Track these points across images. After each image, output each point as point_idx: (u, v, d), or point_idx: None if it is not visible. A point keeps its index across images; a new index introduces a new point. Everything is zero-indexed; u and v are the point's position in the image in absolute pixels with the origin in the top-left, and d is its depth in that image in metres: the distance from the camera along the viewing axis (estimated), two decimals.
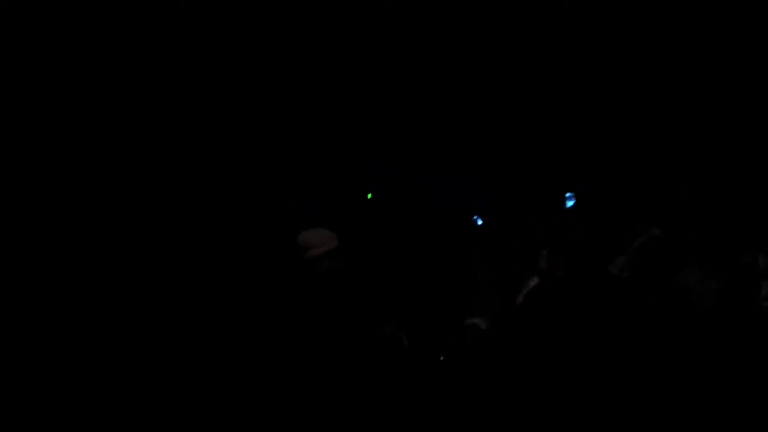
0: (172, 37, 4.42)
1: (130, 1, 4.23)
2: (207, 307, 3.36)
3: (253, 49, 4.69)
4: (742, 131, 4.47)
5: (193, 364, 3.13)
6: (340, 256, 2.87)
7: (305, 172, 5.39)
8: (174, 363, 3.31)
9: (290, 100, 5.10)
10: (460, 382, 3.39)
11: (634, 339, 3.22)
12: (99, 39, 4.26)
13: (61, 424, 3.22)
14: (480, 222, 5.67)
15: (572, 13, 4.45)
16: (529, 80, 4.95)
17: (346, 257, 3.13)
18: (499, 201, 5.62)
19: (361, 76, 5.02)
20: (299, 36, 4.65)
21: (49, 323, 3.58)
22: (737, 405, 2.97)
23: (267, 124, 5.17)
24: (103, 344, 3.56)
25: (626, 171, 4.99)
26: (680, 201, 4.67)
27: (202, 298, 3.57)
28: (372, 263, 4.83)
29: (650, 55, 4.55)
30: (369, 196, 5.73)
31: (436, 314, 4.18)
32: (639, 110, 4.81)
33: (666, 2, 4.27)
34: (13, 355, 3.42)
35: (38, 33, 4.09)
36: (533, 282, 2.98)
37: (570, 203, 5.38)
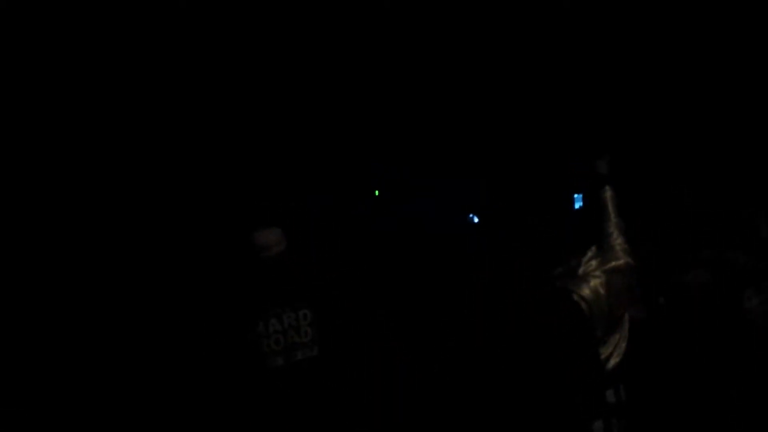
0: (172, 37, 4.42)
1: (130, 1, 4.23)
2: (203, 306, 3.37)
3: (253, 50, 4.69)
4: (742, 131, 4.47)
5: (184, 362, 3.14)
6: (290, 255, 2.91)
7: (305, 172, 5.39)
8: (166, 360, 3.33)
9: (290, 100, 5.10)
10: (459, 384, 3.39)
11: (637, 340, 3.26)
12: (99, 39, 4.26)
13: (60, 424, 3.23)
14: (476, 220, 5.65)
15: (572, 13, 4.45)
16: (530, 80, 4.95)
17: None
18: (499, 201, 5.62)
19: (361, 76, 5.02)
20: (299, 36, 4.65)
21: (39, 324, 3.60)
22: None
23: (267, 124, 5.17)
24: (94, 340, 3.57)
25: (626, 171, 4.98)
26: (680, 201, 4.67)
27: (199, 297, 3.58)
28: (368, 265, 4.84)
29: (650, 55, 4.54)
30: (377, 192, 5.72)
31: (435, 315, 4.18)
32: (639, 110, 4.81)
33: (666, 2, 4.26)
34: (13, 356, 3.42)
35: (38, 33, 4.09)
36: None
37: (578, 204, 5.37)
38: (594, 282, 2.56)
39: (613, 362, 2.59)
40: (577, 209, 5.22)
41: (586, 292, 2.53)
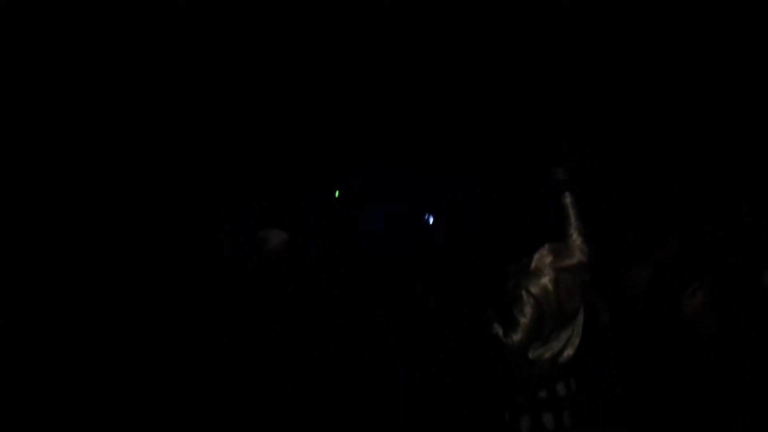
0: (172, 37, 4.42)
1: (130, 1, 4.23)
2: (202, 307, 3.38)
3: (253, 50, 4.69)
4: (742, 131, 4.47)
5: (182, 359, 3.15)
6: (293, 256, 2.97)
7: (305, 172, 5.40)
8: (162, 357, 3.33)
9: (290, 102, 5.11)
10: (459, 384, 3.40)
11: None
12: (99, 39, 4.26)
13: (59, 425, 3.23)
14: (431, 220, 5.63)
15: (572, 13, 4.45)
16: (529, 81, 4.95)
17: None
18: (500, 201, 5.62)
19: (361, 76, 5.02)
20: (299, 37, 4.65)
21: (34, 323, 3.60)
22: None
23: (267, 125, 5.17)
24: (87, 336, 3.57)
25: (627, 171, 4.99)
26: (680, 201, 4.67)
27: (197, 297, 3.59)
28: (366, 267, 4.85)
29: (650, 56, 4.54)
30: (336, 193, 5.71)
31: (435, 315, 4.20)
32: (639, 111, 4.81)
33: (666, 3, 4.26)
34: (12, 356, 3.43)
35: (38, 33, 4.09)
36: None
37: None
38: (544, 278, 2.59)
39: (565, 356, 2.61)
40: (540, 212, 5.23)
41: (534, 288, 2.57)
